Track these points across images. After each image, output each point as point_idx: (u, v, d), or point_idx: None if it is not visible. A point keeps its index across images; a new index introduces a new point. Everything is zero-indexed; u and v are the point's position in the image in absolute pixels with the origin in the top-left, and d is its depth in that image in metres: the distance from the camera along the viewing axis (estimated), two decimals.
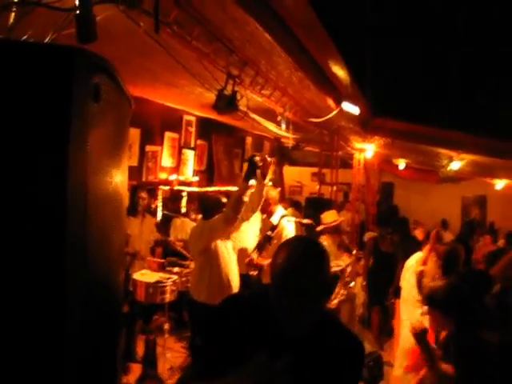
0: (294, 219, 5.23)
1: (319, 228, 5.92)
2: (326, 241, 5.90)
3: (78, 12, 2.28)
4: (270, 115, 5.28)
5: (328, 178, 8.86)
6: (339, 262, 5.82)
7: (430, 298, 2.83)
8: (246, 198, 3.86)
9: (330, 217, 6.00)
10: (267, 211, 5.30)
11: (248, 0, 2.87)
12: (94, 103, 1.25)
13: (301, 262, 1.53)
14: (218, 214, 4.18)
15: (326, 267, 1.58)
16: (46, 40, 2.77)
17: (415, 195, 13.30)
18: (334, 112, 5.11)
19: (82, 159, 1.21)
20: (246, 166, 4.42)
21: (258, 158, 3.88)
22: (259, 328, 1.57)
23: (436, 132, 6.34)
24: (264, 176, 3.98)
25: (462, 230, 9.65)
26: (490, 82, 6.43)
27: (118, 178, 1.64)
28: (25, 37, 3.02)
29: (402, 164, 10.75)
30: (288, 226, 5.24)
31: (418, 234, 7.50)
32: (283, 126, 5.08)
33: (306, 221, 5.24)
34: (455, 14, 5.74)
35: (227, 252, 4.34)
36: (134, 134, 8.07)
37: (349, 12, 4.79)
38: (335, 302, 5.89)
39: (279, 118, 5.02)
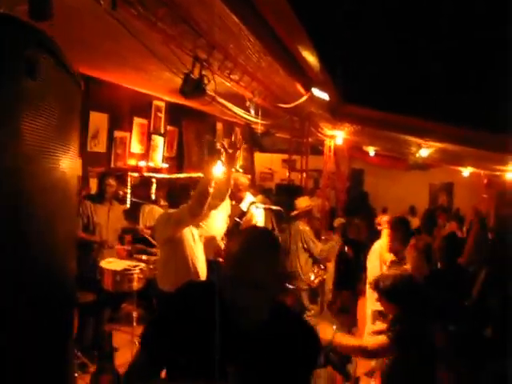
0: (263, 206, 5.22)
1: (294, 213, 6.05)
2: (303, 226, 6.03)
3: None
4: (238, 100, 5.22)
5: (298, 164, 8.87)
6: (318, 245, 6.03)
7: (377, 285, 2.99)
8: (211, 190, 3.80)
9: (303, 202, 6.18)
10: (236, 197, 5.28)
11: None
12: (29, 79, 1.15)
13: (256, 252, 1.55)
14: (184, 203, 4.11)
15: (279, 258, 1.63)
16: None
17: (384, 182, 13.49)
18: (304, 98, 5.09)
19: (13, 143, 1.11)
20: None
21: (218, 144, 3.82)
22: (214, 315, 1.55)
23: (403, 119, 6.40)
24: (230, 163, 3.91)
25: (423, 219, 9.80)
26: (472, 74, 6.51)
27: (66, 165, 1.56)
28: None
29: (371, 151, 10.85)
30: (257, 212, 5.23)
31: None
32: (252, 111, 5.04)
33: (275, 207, 5.23)
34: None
35: (193, 240, 4.28)
36: (102, 119, 7.90)
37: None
38: (316, 281, 6.09)
39: (248, 104, 4.96)
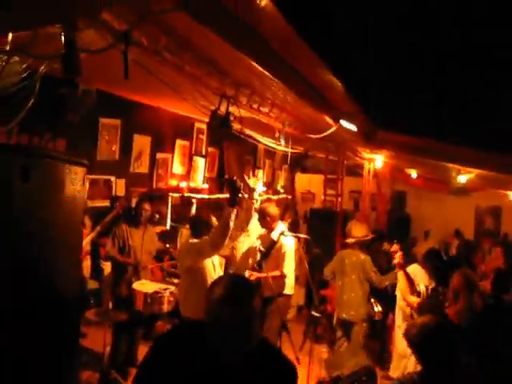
0: (290, 234, 5.32)
1: (350, 241, 5.82)
2: (364, 255, 5.77)
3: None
4: (268, 129, 5.38)
5: (337, 185, 8.88)
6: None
7: (406, 334, 2.83)
8: (231, 223, 3.95)
9: (360, 231, 5.84)
10: (267, 226, 5.41)
11: (230, 31, 2.98)
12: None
13: (232, 297, 1.70)
14: (207, 234, 4.27)
15: (253, 300, 1.74)
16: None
17: (428, 204, 13.22)
18: (332, 129, 5.19)
19: None
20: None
21: (238, 181, 3.96)
22: (195, 360, 1.72)
23: (437, 145, 6.34)
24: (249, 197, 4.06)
25: (459, 250, 9.44)
26: (488, 94, 6.40)
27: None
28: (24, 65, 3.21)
29: (413, 173, 10.73)
30: (287, 241, 5.35)
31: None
32: (282, 141, 5.17)
33: (302, 235, 5.32)
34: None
35: (214, 269, 4.43)
36: (145, 141, 8.29)
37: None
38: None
39: (277, 135, 5.11)
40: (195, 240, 4.38)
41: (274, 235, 5.40)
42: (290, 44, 3.40)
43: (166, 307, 5.07)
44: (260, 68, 3.41)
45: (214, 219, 4.51)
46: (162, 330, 6.07)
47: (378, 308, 6.07)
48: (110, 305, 5.52)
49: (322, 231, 7.61)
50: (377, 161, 9.09)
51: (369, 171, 9.70)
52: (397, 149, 6.92)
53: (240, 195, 3.99)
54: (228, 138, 10.06)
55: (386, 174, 11.28)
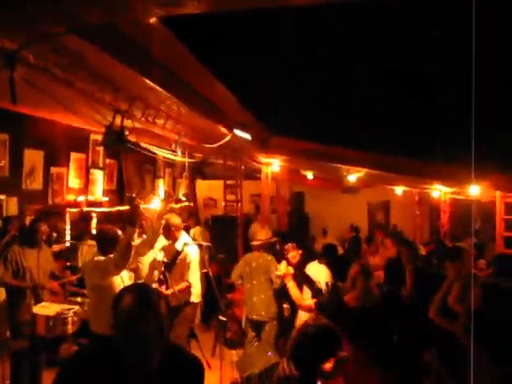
0: (193, 243, 5.40)
1: (255, 243, 5.98)
2: (270, 256, 5.96)
3: None
4: (164, 140, 5.42)
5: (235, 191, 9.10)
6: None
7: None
8: (133, 243, 3.95)
9: (263, 234, 6.16)
10: (171, 237, 5.45)
11: (121, 49, 3.02)
12: None
13: (137, 308, 1.77)
14: (113, 250, 4.17)
15: (160, 301, 1.84)
16: None
17: (324, 203, 13.95)
18: (226, 139, 5.36)
19: None
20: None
21: (138, 198, 3.98)
22: (107, 376, 1.77)
23: (328, 149, 6.80)
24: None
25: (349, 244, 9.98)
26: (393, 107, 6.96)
27: None
28: None
29: (309, 175, 11.27)
30: (191, 250, 5.42)
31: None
32: (179, 152, 5.25)
33: (205, 244, 5.44)
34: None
35: (122, 284, 4.38)
36: (37, 156, 7.91)
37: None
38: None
39: (173, 146, 5.17)
40: (101, 257, 4.29)
41: (179, 245, 5.46)
42: (182, 60, 3.50)
43: (70, 328, 4.92)
44: (153, 84, 3.48)
45: (120, 233, 4.45)
46: (67, 352, 5.86)
47: (285, 304, 6.32)
48: (8, 333, 5.22)
49: (224, 237, 7.77)
50: (273, 165, 9.43)
51: (266, 175, 10.03)
52: (290, 153, 7.29)
53: (141, 215, 3.99)
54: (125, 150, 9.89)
55: (283, 177, 11.71)
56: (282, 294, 6.00)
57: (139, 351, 1.75)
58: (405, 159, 6.84)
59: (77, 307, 5.09)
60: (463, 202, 10.47)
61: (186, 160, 5.64)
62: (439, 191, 10.68)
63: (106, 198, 9.48)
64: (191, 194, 11.97)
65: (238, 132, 5.26)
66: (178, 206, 10.23)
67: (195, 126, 5.32)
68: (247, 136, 5.40)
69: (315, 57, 6.26)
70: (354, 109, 6.70)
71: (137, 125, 4.34)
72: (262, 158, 9.04)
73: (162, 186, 11.73)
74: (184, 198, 11.64)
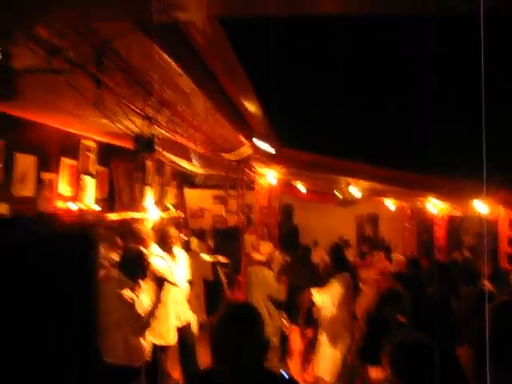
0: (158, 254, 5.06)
1: (259, 258, 5.87)
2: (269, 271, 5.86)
3: None
4: (181, 149, 5.23)
5: (229, 202, 8.93)
6: None
7: None
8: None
9: (267, 247, 6.05)
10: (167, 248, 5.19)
11: (171, 45, 2.83)
12: None
13: (228, 328, 1.66)
14: (141, 269, 3.95)
15: (255, 328, 1.69)
16: None
17: (313, 216, 13.89)
18: (246, 147, 5.19)
19: None
20: None
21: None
22: None
23: (337, 162, 6.73)
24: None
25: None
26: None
27: None
28: None
29: (302, 188, 11.21)
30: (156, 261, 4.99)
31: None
32: (195, 161, 5.05)
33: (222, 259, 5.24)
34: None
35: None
36: (29, 161, 7.53)
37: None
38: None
39: (192, 155, 4.98)
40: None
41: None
42: (229, 66, 3.33)
43: None
44: (194, 86, 3.30)
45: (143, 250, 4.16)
46: None
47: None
48: None
49: (225, 249, 7.60)
50: (269, 176, 9.31)
51: (262, 186, 9.91)
52: (299, 165, 7.19)
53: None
54: (117, 156, 9.57)
55: (276, 189, 11.60)
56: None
57: (229, 372, 1.64)
58: (412, 173, 6.83)
59: None
60: (459, 218, 10.54)
61: (202, 171, 5.44)
62: (434, 205, 10.69)
63: (97, 206, 9.13)
64: (181, 204, 11.69)
65: (258, 142, 5.08)
66: (166, 215, 9.99)
67: (213, 135, 5.14)
68: (268, 147, 5.23)
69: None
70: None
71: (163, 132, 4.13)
72: (259, 169, 8.90)
73: (149, 194, 11.41)
74: (171, 207, 11.41)
